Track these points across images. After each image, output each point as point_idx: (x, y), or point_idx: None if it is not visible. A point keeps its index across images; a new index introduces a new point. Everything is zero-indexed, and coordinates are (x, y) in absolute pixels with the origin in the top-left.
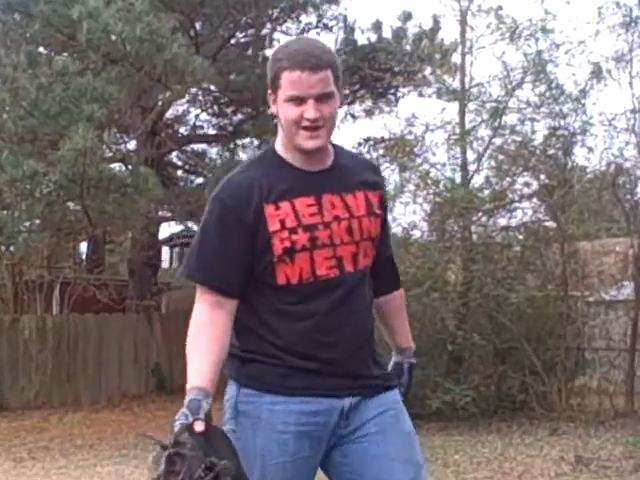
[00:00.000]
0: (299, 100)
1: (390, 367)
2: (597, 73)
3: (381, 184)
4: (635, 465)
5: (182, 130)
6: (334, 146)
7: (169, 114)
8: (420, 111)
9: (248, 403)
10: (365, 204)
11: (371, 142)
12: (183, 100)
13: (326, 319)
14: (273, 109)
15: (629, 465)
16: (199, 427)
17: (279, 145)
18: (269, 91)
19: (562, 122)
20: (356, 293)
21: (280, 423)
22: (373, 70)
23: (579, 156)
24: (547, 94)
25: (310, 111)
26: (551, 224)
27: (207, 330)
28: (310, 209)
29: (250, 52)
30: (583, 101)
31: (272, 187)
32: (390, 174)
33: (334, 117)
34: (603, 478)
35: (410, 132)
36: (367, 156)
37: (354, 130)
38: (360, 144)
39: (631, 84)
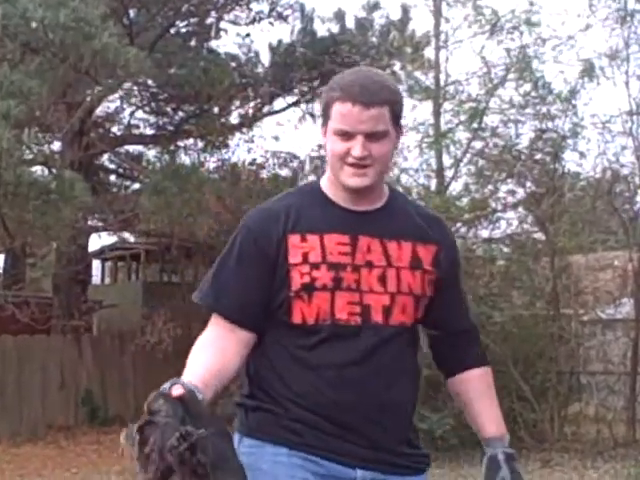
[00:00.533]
0: (347, 135)
1: (484, 464)
2: (589, 71)
3: (441, 240)
4: None
5: (115, 130)
6: (392, 190)
7: (99, 111)
8: None
9: (249, 454)
10: (411, 256)
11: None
12: (115, 96)
13: (344, 373)
14: (323, 140)
15: None
16: (177, 390)
17: (324, 180)
18: (321, 120)
19: (550, 124)
20: (388, 351)
21: (284, 475)
22: (335, 65)
23: (570, 162)
24: (533, 93)
25: (357, 148)
26: (539, 236)
27: (214, 345)
28: (341, 248)
29: (193, 43)
30: (573, 101)
31: (303, 217)
32: None
33: (386, 157)
34: None
35: None
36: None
37: (314, 131)
38: (320, 147)
39: (627, 84)
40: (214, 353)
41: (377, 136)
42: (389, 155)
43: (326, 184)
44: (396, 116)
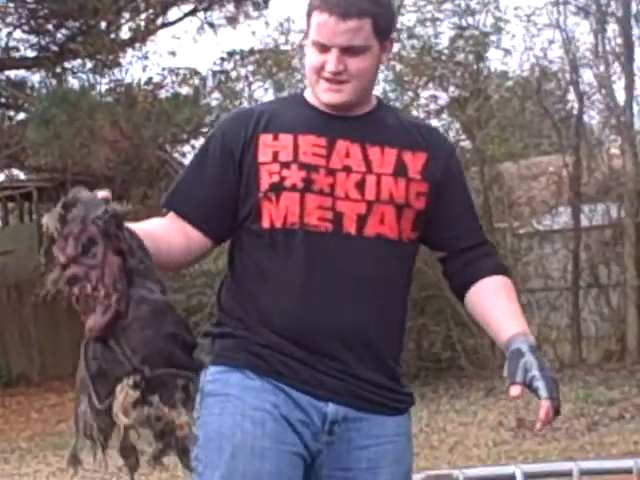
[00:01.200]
0: (324, 48)
1: (506, 368)
2: None
3: (434, 148)
4: (588, 424)
5: None
6: (380, 102)
7: None
8: (296, 14)
9: (214, 381)
10: (395, 163)
11: (237, 56)
12: None
13: (309, 290)
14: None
15: (581, 425)
16: (102, 193)
17: (307, 90)
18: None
19: (470, 20)
20: (363, 266)
21: (254, 398)
22: None
23: (494, 60)
24: None
25: (331, 63)
26: (466, 144)
27: (155, 224)
28: (316, 149)
29: None
30: None
31: (278, 118)
32: (263, 95)
33: (366, 73)
34: (551, 442)
35: (286, 41)
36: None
37: (215, 43)
38: (224, 59)
39: None
40: (155, 225)
41: (354, 50)
42: (370, 71)
43: (308, 93)
44: (381, 29)
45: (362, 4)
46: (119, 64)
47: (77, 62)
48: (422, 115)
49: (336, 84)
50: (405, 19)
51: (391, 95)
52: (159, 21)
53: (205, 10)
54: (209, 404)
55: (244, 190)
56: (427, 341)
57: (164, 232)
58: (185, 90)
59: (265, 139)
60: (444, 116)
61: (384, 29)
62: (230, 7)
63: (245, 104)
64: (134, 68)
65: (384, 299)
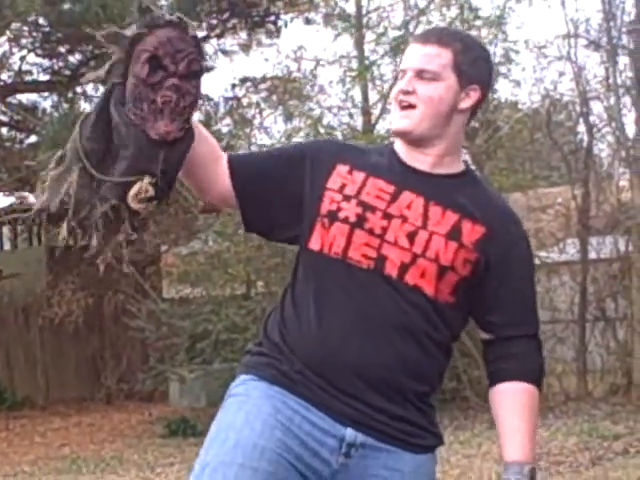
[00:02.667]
0: (402, 73)
1: None
2: None
3: (499, 229)
4: (592, 458)
5: (4, 77)
6: (467, 170)
7: None
8: (308, 43)
9: (241, 384)
10: (452, 226)
11: (249, 83)
12: (3, 39)
13: (342, 326)
14: None
15: (585, 458)
16: None
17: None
18: None
19: None
20: (396, 309)
21: (271, 407)
22: None
23: (504, 91)
24: (459, 19)
25: (402, 82)
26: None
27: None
28: (380, 193)
29: None
30: (503, 27)
31: (361, 157)
32: (273, 123)
33: (434, 103)
34: (555, 476)
35: (297, 69)
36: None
37: (228, 70)
38: (235, 86)
39: (563, 3)
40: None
41: (426, 75)
42: (439, 103)
43: (398, 144)
44: (461, 66)
45: (445, 37)
46: None
47: (89, 87)
48: None
49: (405, 109)
50: None
51: None
52: None
53: (218, 37)
54: (230, 403)
55: (307, 207)
56: None
57: (213, 145)
58: (197, 115)
59: (340, 170)
60: None
61: (465, 69)
62: (243, 34)
63: (256, 131)
64: None
65: (408, 346)
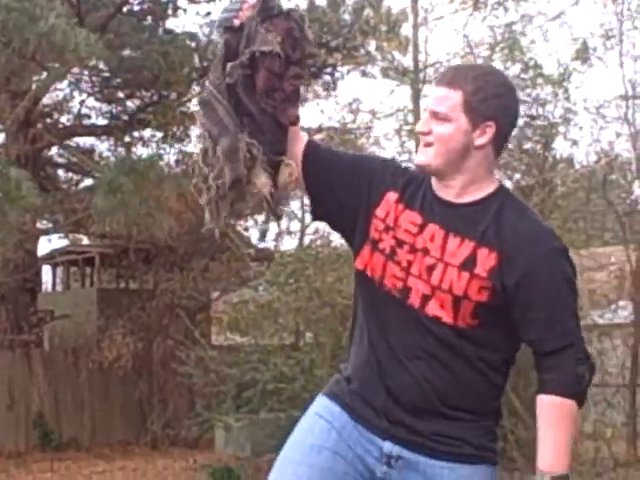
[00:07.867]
0: (424, 113)
1: None
2: (582, 52)
3: (513, 252)
4: None
5: (64, 120)
6: (500, 190)
7: (46, 100)
8: (365, 95)
9: (314, 401)
10: (466, 256)
11: (305, 133)
12: (64, 83)
13: (375, 353)
14: None
15: None
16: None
17: None
18: None
19: (540, 110)
20: (421, 338)
21: (329, 414)
22: None
23: (560, 151)
24: (522, 76)
25: (421, 122)
26: None
27: None
28: (410, 226)
29: (149, 21)
30: (565, 84)
31: (405, 186)
32: None
33: (446, 142)
34: None
35: (353, 120)
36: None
37: None
38: None
39: (621, 65)
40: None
41: (438, 116)
42: (449, 140)
43: None
44: (471, 106)
45: (457, 78)
46: (188, 136)
47: (146, 132)
48: None
49: (424, 146)
50: None
51: None
52: None
53: None
54: (306, 415)
55: (361, 220)
56: None
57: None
58: None
59: (390, 197)
60: None
61: (476, 107)
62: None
63: None
64: None
65: (431, 368)
